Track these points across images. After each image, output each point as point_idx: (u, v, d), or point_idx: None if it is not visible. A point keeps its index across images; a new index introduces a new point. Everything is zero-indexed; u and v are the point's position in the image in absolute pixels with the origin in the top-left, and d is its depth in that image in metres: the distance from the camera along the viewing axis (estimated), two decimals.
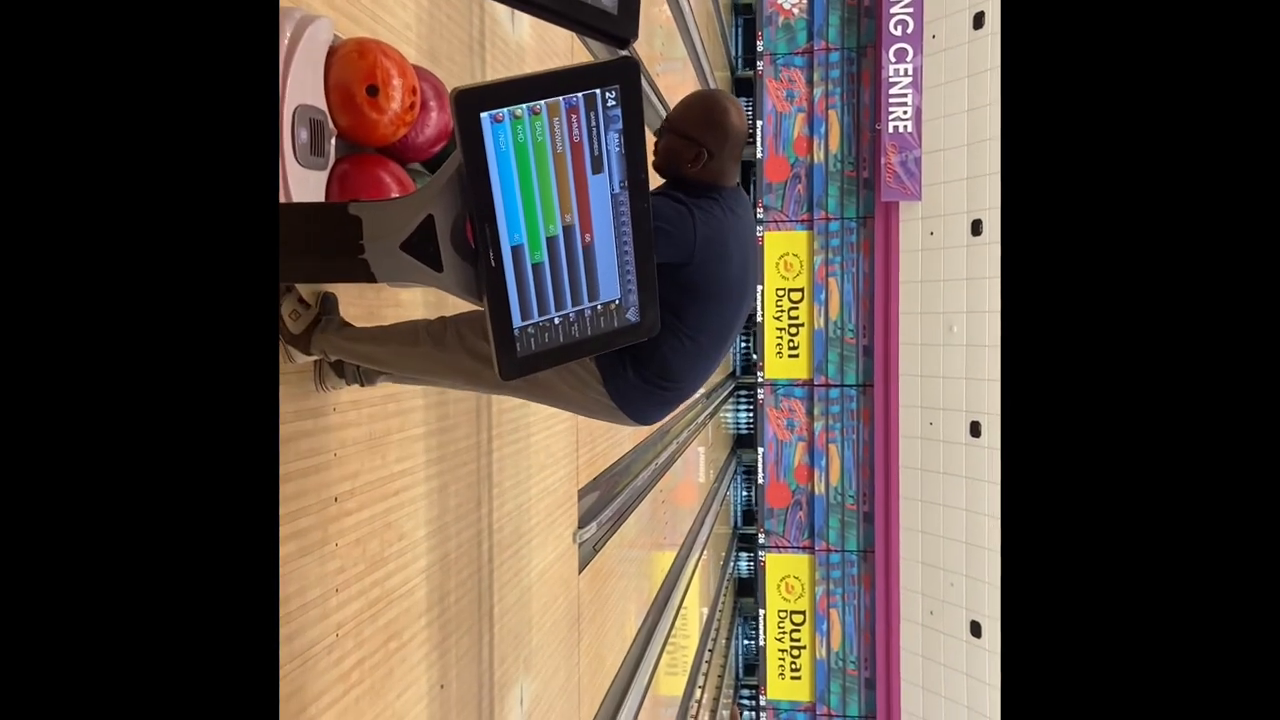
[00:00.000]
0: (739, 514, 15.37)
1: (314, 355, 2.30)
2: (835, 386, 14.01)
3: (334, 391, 2.67)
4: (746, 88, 15.27)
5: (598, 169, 1.28)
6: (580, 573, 5.55)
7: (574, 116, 1.25)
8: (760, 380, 14.25)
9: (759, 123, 14.59)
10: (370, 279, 1.33)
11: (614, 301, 1.37)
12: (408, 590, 3.23)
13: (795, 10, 14.82)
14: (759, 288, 14.32)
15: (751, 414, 14.76)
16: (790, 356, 14.23)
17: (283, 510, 2.48)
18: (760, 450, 14.33)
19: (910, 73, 13.76)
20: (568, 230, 1.30)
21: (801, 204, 14.43)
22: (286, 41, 1.79)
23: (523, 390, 1.99)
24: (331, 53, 1.92)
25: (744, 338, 15.42)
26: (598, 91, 1.24)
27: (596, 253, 1.33)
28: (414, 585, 3.28)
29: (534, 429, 4.64)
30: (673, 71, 10.16)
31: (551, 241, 1.29)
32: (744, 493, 15.12)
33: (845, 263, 14.06)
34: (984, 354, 12.59)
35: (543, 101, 1.21)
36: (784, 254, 14.34)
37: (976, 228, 12.96)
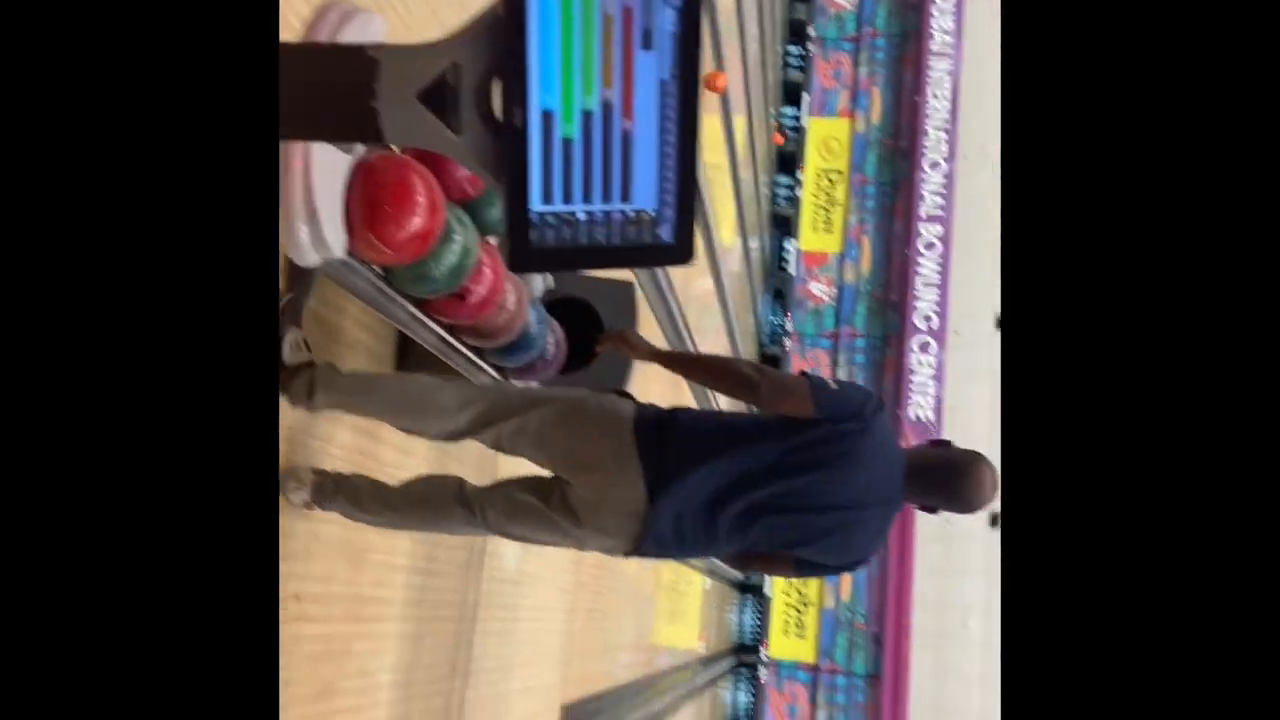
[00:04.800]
0: None
1: (294, 402, 2.09)
2: (842, 674, 13.23)
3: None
4: (773, 364, 15.59)
5: (648, 45, 1.18)
6: None
7: None
8: (764, 658, 13.50)
9: None
10: (378, 138, 1.19)
11: (648, 212, 1.22)
12: None
13: (826, 298, 15.41)
14: None
15: (753, 695, 13.86)
16: (796, 636, 13.55)
17: None
18: None
19: (933, 365, 14.05)
20: (607, 108, 1.17)
21: None
22: (334, 20, 1.76)
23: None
24: None
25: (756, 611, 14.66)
26: None
27: (636, 146, 1.20)
28: None
29: (523, 614, 4.28)
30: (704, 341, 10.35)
31: (587, 117, 1.17)
32: None
33: None
34: (997, 652, 11.94)
35: None
36: None
37: (994, 520, 12.70)
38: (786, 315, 15.28)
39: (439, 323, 2.17)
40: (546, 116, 1.15)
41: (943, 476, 2.15)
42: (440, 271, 1.93)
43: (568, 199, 1.18)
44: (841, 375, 14.66)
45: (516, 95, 1.12)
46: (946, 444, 2.28)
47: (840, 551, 2.25)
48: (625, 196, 1.21)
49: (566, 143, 1.17)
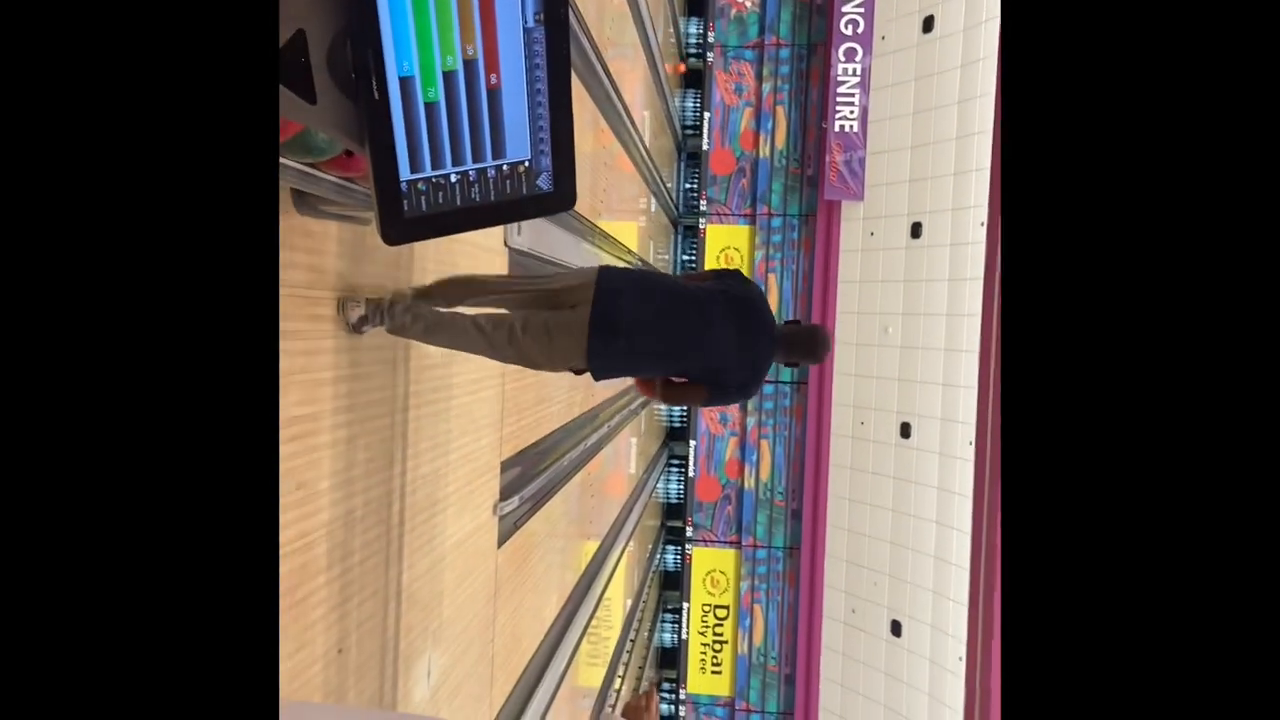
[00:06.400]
0: (668, 506, 15.26)
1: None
2: (770, 382, 13.96)
3: None
4: (696, 79, 15.14)
5: None
6: (500, 547, 5.34)
7: None
8: None
9: (706, 114, 14.51)
10: None
11: (523, 163, 1.18)
12: (305, 544, 3.00)
13: (748, 4, 14.75)
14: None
15: (685, 408, 14.63)
16: None
17: None
18: (692, 443, 14.23)
19: (859, 73, 13.76)
20: (469, 66, 1.11)
21: (745, 198, 14.36)
22: None
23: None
24: None
25: None
26: None
27: (504, 100, 1.14)
28: (314, 539, 3.06)
29: (456, 391, 4.42)
30: (623, 58, 9.95)
31: (449, 77, 1.11)
32: (675, 485, 15.01)
33: (786, 259, 14.03)
34: (917, 356, 12.63)
35: None
36: (725, 247, 14.25)
37: (916, 230, 13.00)
38: (709, 26, 14.66)
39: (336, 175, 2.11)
40: (405, 83, 1.08)
41: (805, 342, 3.24)
42: (321, 140, 1.85)
43: (437, 164, 1.13)
44: (766, 90, 14.37)
45: (372, 64, 1.05)
46: (797, 322, 3.35)
47: (739, 364, 3.08)
48: (497, 152, 1.16)
49: (430, 107, 1.10)
